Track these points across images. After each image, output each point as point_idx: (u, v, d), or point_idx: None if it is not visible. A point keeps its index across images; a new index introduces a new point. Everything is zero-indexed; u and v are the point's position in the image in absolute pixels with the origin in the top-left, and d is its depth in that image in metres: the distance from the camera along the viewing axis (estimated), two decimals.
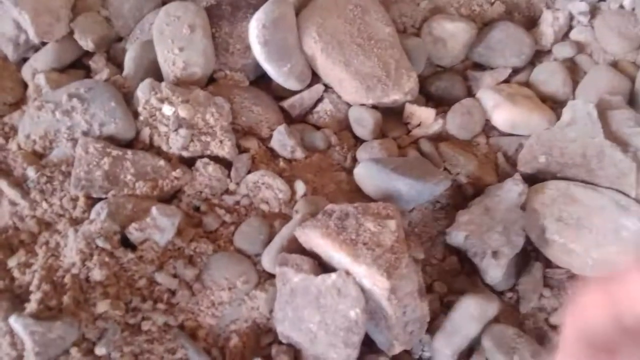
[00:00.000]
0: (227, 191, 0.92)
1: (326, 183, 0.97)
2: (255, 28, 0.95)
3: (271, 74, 1.00)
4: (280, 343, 0.81)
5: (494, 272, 0.87)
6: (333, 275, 0.75)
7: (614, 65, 1.08)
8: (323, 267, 0.81)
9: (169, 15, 0.98)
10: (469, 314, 0.82)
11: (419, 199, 0.92)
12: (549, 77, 1.09)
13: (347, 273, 0.75)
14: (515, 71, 1.12)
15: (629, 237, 0.86)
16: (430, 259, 0.97)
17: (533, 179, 0.96)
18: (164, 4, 1.04)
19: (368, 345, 0.83)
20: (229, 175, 0.92)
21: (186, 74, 0.97)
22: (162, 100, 0.93)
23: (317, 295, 0.75)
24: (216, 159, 0.94)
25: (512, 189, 0.92)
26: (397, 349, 0.80)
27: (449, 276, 0.96)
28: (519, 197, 0.91)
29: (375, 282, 0.73)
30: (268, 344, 0.82)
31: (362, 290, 0.74)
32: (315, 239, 0.79)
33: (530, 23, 1.17)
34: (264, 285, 0.83)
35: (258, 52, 0.97)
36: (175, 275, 0.82)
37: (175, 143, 0.92)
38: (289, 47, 0.98)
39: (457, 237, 0.90)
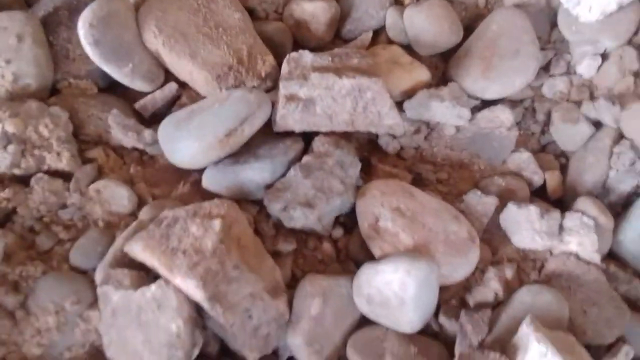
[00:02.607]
0: (64, 206, 0.81)
1: (180, 186, 0.87)
2: (82, 28, 0.85)
3: (113, 76, 0.90)
4: None
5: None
6: (152, 287, 0.64)
7: None
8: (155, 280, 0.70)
9: None
10: (306, 293, 0.73)
11: (276, 178, 0.82)
12: None
13: (167, 281, 0.64)
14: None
15: None
16: (302, 250, 0.87)
17: None
18: None
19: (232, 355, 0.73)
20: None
21: (18, 87, 0.87)
22: None
23: (137, 312, 0.64)
24: (56, 173, 0.84)
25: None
26: (252, 357, 0.70)
27: (323, 265, 0.87)
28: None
29: (193, 294, 0.63)
30: None
31: (188, 300, 0.64)
32: (140, 253, 0.68)
33: None
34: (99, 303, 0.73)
35: (91, 53, 0.86)
36: None
37: (3, 161, 0.81)
38: (127, 45, 0.88)
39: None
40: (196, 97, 0.93)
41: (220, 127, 0.78)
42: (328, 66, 0.84)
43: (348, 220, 0.87)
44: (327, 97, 0.81)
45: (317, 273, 0.81)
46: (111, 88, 0.95)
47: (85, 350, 0.71)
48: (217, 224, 0.67)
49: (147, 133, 0.87)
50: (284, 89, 0.82)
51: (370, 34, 1.02)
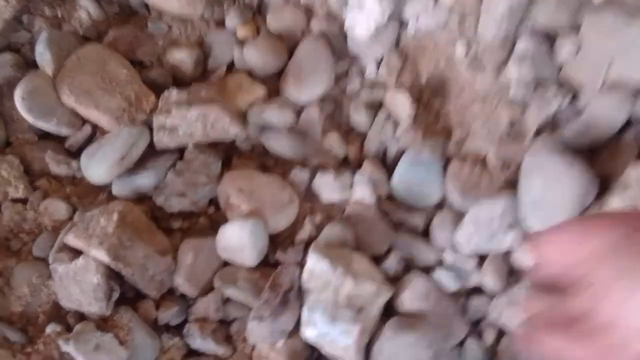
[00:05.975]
0: (25, 220, 1.23)
1: (100, 196, 1.28)
2: (17, 101, 1.25)
3: (45, 128, 1.31)
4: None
5: None
6: (80, 259, 1.07)
7: None
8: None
9: None
10: (184, 250, 1.17)
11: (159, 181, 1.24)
12: None
13: (88, 255, 1.07)
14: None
15: None
16: (190, 225, 1.29)
17: None
18: None
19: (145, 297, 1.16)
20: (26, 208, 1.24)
21: None
22: None
23: (74, 275, 1.07)
24: (17, 200, 1.25)
25: None
26: (154, 295, 1.13)
27: (203, 233, 1.29)
28: None
29: (103, 259, 1.05)
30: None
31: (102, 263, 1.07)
32: (72, 240, 1.10)
33: None
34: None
35: (26, 116, 1.26)
36: None
37: None
38: (50, 106, 1.28)
39: None
40: (106, 132, 1.34)
41: (117, 153, 1.20)
42: (184, 99, 1.25)
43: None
44: (184, 124, 1.22)
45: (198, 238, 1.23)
46: (46, 135, 1.35)
47: (49, 305, 1.13)
48: (115, 216, 1.09)
49: (74, 163, 1.28)
50: (155, 121, 1.23)
51: (224, 68, 1.42)
